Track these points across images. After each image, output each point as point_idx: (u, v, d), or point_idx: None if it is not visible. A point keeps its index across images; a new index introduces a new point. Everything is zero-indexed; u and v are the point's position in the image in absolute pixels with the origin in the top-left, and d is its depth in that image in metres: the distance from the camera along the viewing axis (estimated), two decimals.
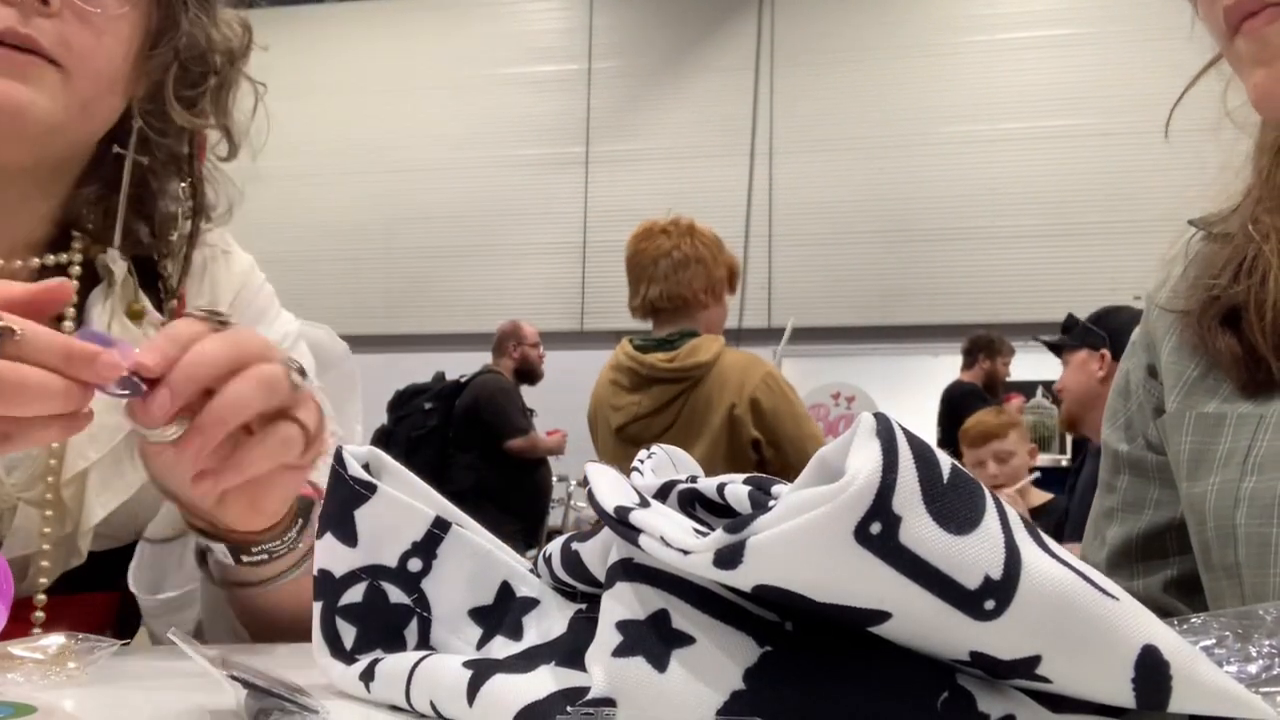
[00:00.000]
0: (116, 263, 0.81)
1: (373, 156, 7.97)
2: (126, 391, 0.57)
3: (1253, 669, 0.41)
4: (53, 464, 0.77)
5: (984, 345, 5.62)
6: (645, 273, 2.64)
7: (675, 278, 2.60)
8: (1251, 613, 0.44)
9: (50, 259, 0.81)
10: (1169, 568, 0.77)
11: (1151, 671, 0.34)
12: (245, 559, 0.71)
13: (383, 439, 4.75)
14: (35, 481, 0.77)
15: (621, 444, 2.63)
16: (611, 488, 0.40)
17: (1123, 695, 0.34)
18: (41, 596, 0.76)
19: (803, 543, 0.31)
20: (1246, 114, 0.71)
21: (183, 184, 0.85)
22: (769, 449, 2.52)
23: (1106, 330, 2.86)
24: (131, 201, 0.82)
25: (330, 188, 7.97)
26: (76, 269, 0.81)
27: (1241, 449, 0.67)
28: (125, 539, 0.81)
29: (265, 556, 0.71)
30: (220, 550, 0.71)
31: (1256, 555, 0.65)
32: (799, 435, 2.52)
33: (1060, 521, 3.14)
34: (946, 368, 6.11)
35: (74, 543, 0.78)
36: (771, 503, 0.36)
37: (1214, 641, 0.42)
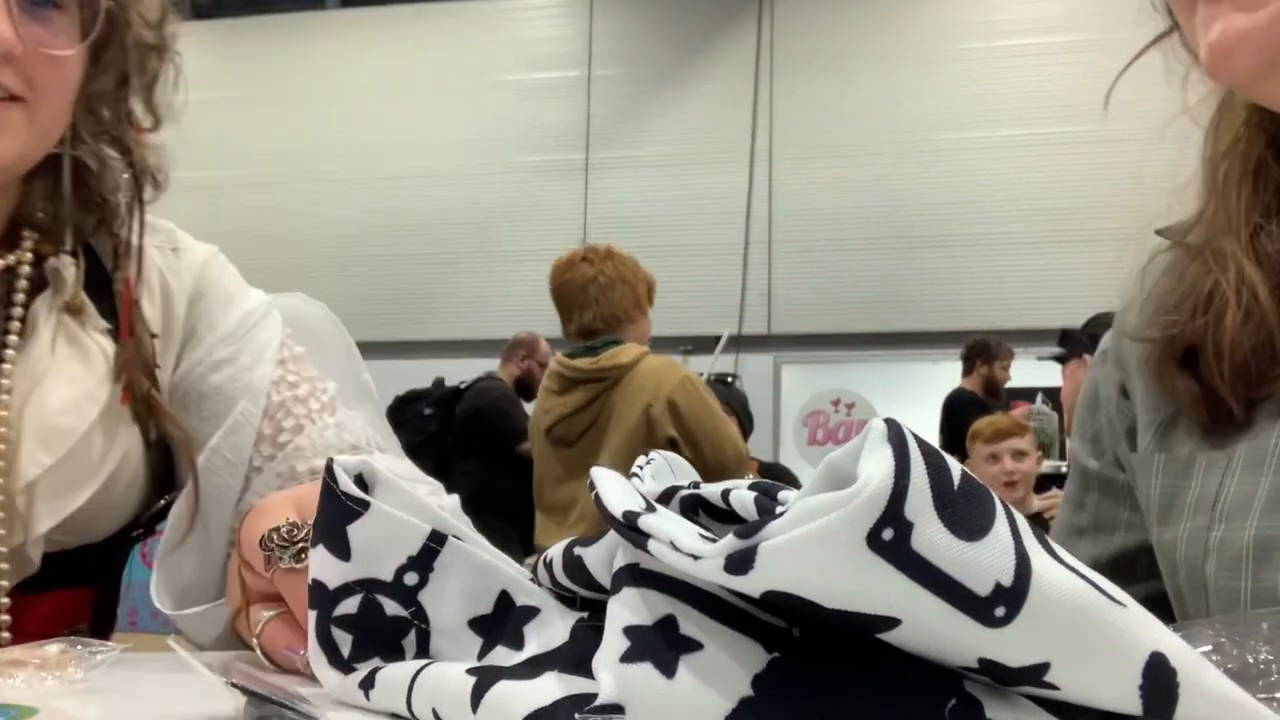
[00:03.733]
0: (67, 268, 0.81)
1: (373, 163, 7.97)
2: None
3: (1248, 676, 0.41)
4: (2, 465, 0.76)
5: (980, 351, 5.63)
6: (576, 300, 2.86)
7: (606, 300, 2.83)
8: (1246, 619, 0.44)
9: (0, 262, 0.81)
10: (1136, 589, 0.75)
11: (1159, 679, 0.33)
12: None
13: None
14: None
15: (551, 445, 2.86)
16: (618, 492, 0.39)
17: (1130, 703, 0.34)
18: (4, 600, 0.76)
19: (815, 548, 0.31)
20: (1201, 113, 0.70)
21: (125, 161, 0.86)
22: (687, 449, 2.68)
23: (1088, 335, 2.94)
24: (76, 192, 0.83)
25: (330, 194, 7.98)
26: (26, 268, 0.81)
27: (1210, 495, 0.65)
28: (87, 539, 0.81)
29: None
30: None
31: (1227, 609, 0.63)
32: (716, 434, 2.71)
33: None
34: (946, 374, 6.11)
35: (25, 552, 0.77)
36: (779, 509, 0.36)
37: (1210, 648, 0.42)
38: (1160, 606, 0.72)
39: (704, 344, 7.18)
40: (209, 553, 0.83)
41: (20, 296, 0.80)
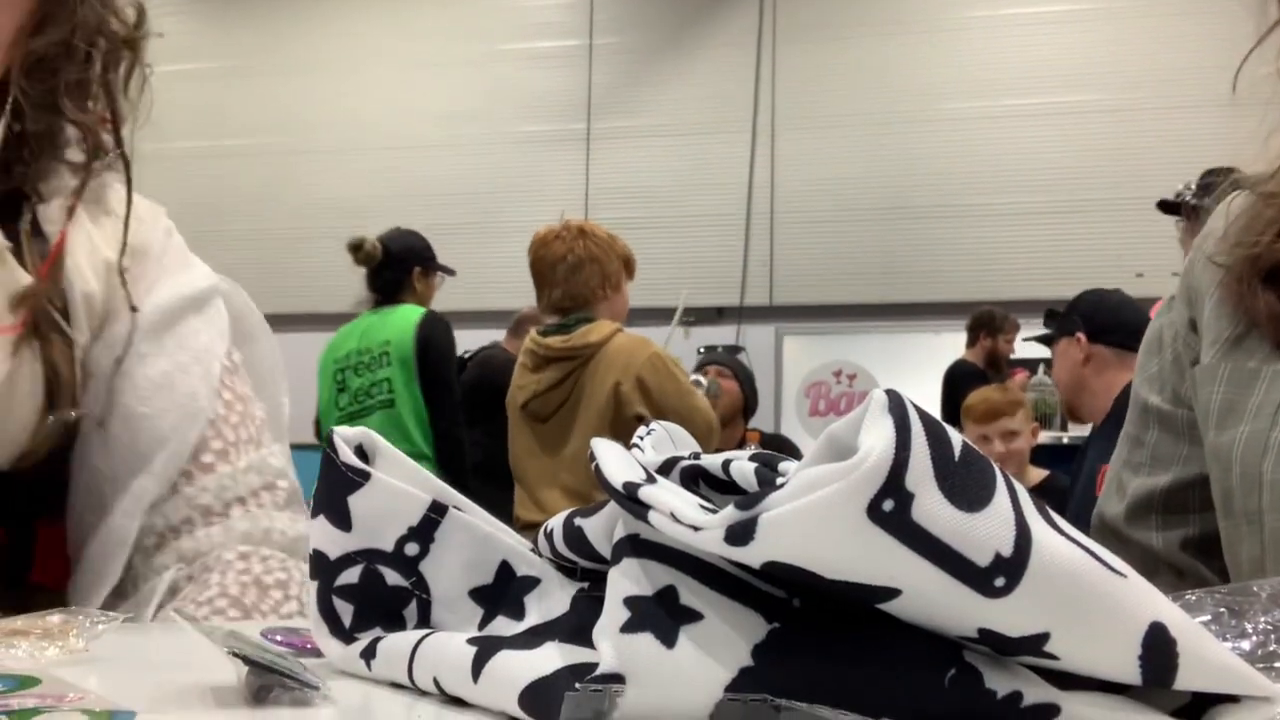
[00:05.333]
0: None
1: (373, 133, 7.94)
2: None
3: (1247, 645, 0.41)
4: None
5: (985, 322, 5.63)
6: (546, 278, 2.97)
7: (573, 279, 2.93)
8: (1246, 588, 0.44)
9: None
10: (1189, 525, 0.78)
11: (1158, 649, 0.34)
12: None
13: None
14: None
15: (526, 419, 3.01)
16: (619, 464, 0.39)
17: (1129, 672, 0.34)
18: None
19: (816, 519, 0.31)
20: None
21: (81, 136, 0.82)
22: None
23: (1079, 314, 2.87)
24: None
25: (329, 164, 7.95)
26: None
27: (1273, 401, 0.68)
28: None
29: None
30: None
31: None
32: (685, 407, 2.80)
33: (1061, 503, 3.13)
34: (948, 345, 6.11)
35: None
36: (780, 480, 0.36)
37: (1209, 618, 0.42)
38: (1209, 550, 0.75)
39: (706, 315, 7.18)
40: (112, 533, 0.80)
41: None
